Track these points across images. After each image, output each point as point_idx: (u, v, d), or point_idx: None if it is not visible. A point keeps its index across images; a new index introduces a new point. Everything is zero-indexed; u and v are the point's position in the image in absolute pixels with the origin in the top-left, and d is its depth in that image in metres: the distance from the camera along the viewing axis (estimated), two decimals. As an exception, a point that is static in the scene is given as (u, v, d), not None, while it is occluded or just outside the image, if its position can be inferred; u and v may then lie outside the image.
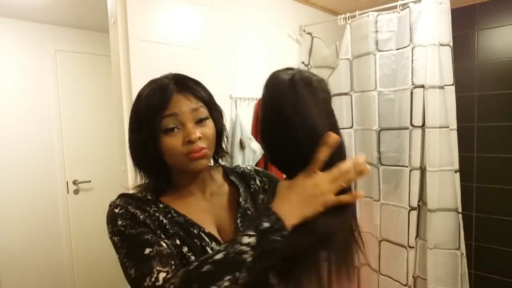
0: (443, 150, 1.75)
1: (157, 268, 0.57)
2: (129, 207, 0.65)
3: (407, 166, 1.81)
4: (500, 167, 2.32)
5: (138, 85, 0.77)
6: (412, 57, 1.77)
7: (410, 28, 1.78)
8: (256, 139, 1.95)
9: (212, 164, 0.79)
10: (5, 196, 2.40)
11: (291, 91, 0.63)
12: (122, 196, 0.69)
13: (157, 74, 0.73)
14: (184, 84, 0.70)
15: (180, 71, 0.74)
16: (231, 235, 0.72)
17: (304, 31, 2.27)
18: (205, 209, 0.74)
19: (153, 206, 0.68)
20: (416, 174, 1.78)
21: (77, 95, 2.74)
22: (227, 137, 0.79)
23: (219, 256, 0.55)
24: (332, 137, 0.61)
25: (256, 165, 1.94)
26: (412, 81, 1.77)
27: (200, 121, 0.69)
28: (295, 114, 0.62)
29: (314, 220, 0.61)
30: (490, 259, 2.38)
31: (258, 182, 0.83)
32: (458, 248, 1.78)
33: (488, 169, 2.37)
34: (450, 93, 1.76)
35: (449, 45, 1.75)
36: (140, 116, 0.68)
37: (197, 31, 1.77)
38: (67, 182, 2.70)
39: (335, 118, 0.67)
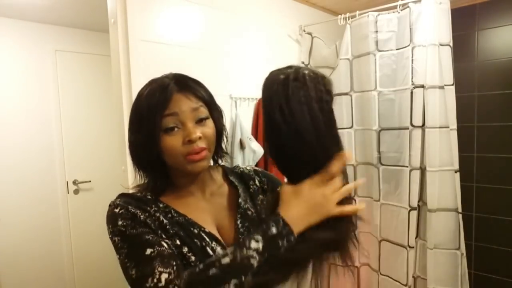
0: (443, 150, 1.75)
1: (159, 268, 0.56)
2: (129, 207, 0.65)
3: (407, 166, 1.81)
4: (500, 167, 2.32)
5: (138, 85, 0.77)
6: (412, 57, 1.77)
7: (410, 28, 1.78)
8: (256, 139, 1.95)
9: (212, 164, 0.79)
10: (5, 196, 2.40)
11: (282, 91, 0.63)
12: (122, 196, 0.69)
13: (157, 74, 0.73)
14: (184, 84, 0.70)
15: (180, 71, 0.74)
16: (231, 235, 0.72)
17: (304, 31, 2.27)
18: (205, 209, 0.74)
19: (153, 206, 0.68)
20: (416, 174, 1.78)
21: (77, 95, 2.74)
22: (227, 137, 0.79)
23: (225, 260, 0.56)
24: (348, 155, 0.63)
25: (256, 165, 1.94)
26: (412, 81, 1.77)
27: (200, 121, 0.69)
28: (282, 116, 0.62)
29: (316, 228, 0.63)
30: (490, 259, 2.38)
31: (257, 183, 0.83)
32: (458, 248, 1.78)
33: (488, 169, 2.37)
34: (450, 93, 1.76)
35: (449, 45, 1.75)
36: (140, 116, 0.68)
37: (197, 31, 1.77)
38: (67, 182, 2.70)
39: (333, 117, 0.66)
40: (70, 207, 2.71)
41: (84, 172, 2.77)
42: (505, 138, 2.29)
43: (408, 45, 1.78)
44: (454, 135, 1.77)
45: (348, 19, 2.02)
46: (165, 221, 0.66)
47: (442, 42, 1.73)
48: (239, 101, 1.92)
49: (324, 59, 2.29)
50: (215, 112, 0.74)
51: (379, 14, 1.88)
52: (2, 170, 2.39)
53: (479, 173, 2.40)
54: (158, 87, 0.68)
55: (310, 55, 2.29)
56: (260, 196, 0.81)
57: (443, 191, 1.76)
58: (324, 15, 2.50)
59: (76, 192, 2.74)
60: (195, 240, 0.66)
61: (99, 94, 2.82)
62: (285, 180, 0.71)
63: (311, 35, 2.28)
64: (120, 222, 0.63)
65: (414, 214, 1.80)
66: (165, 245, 0.61)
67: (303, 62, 2.28)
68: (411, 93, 1.77)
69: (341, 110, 2.04)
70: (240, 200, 0.77)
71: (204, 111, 0.70)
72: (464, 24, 2.36)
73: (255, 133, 1.98)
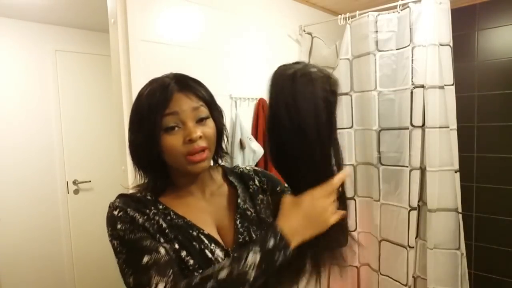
0: (443, 150, 1.75)
1: (156, 277, 0.57)
2: (128, 209, 0.65)
3: (407, 166, 1.81)
4: (500, 167, 2.32)
5: (138, 85, 0.77)
6: (412, 57, 1.77)
7: (410, 28, 1.78)
8: (256, 139, 1.95)
9: (212, 164, 0.79)
10: (5, 196, 2.40)
11: (289, 86, 0.62)
12: (121, 196, 0.69)
13: (157, 74, 0.73)
14: (185, 83, 0.70)
15: (180, 71, 0.74)
16: (230, 235, 0.73)
17: (304, 31, 2.27)
18: (205, 209, 0.74)
19: (152, 208, 0.68)
20: (416, 174, 1.78)
21: (77, 95, 2.74)
22: (227, 137, 0.79)
23: (223, 273, 0.57)
24: (349, 173, 0.65)
25: (256, 165, 1.94)
26: (412, 81, 1.77)
27: (200, 120, 0.69)
28: (287, 112, 0.62)
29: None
30: (490, 259, 2.38)
31: (257, 183, 0.83)
32: (458, 248, 1.78)
33: (488, 169, 2.37)
34: (450, 93, 1.76)
35: (449, 45, 1.75)
36: (140, 115, 0.68)
37: (197, 31, 1.77)
38: (67, 182, 2.70)
39: (335, 120, 0.66)
40: (70, 207, 2.71)
41: (84, 172, 2.77)
42: (505, 138, 2.29)
43: (408, 45, 1.78)
44: (454, 135, 1.77)
45: (348, 19, 2.02)
46: (164, 224, 0.66)
47: (442, 42, 1.73)
48: (239, 101, 1.92)
49: (324, 59, 2.29)
50: (215, 112, 0.74)
51: (379, 14, 1.88)
52: (2, 170, 2.39)
53: (479, 173, 2.40)
54: (159, 87, 0.68)
55: (310, 55, 2.29)
56: (260, 195, 0.81)
57: (443, 191, 1.76)
58: (324, 15, 2.50)
59: (76, 192, 2.74)
60: (194, 243, 0.66)
61: (99, 94, 2.82)
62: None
63: (311, 35, 2.28)
64: (119, 226, 0.63)
65: (414, 214, 1.80)
66: (162, 251, 0.61)
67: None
68: (411, 93, 1.77)
69: (341, 110, 2.04)
70: (239, 200, 0.77)
71: (204, 111, 0.70)
72: (464, 24, 2.36)
73: (255, 133, 1.98)
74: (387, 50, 1.87)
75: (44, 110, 2.58)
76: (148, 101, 0.67)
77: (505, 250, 2.32)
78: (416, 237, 1.86)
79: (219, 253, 0.67)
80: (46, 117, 2.59)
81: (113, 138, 1.63)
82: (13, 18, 2.41)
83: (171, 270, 0.59)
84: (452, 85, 1.77)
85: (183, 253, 0.64)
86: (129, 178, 1.48)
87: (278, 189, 0.83)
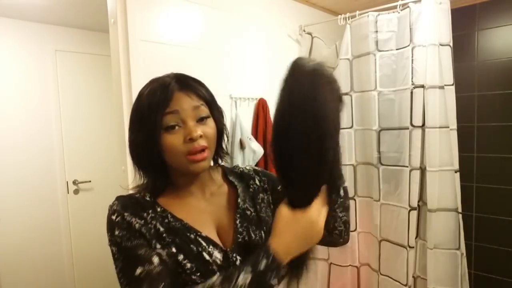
0: (443, 150, 1.75)
1: None
2: (125, 214, 0.65)
3: (407, 166, 1.81)
4: (500, 167, 2.32)
5: (138, 85, 0.77)
6: (412, 57, 1.77)
7: (410, 28, 1.78)
8: (256, 139, 1.95)
9: (212, 164, 0.79)
10: (5, 196, 2.40)
11: (310, 81, 0.60)
12: (120, 198, 0.68)
13: (157, 74, 0.73)
14: (185, 83, 0.70)
15: (180, 71, 0.74)
16: (230, 235, 0.73)
17: (304, 31, 2.27)
18: (205, 210, 0.74)
19: (150, 211, 0.68)
20: (416, 174, 1.78)
21: (77, 95, 2.74)
22: (227, 137, 0.79)
23: None
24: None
25: (256, 165, 1.94)
26: (412, 81, 1.77)
27: (201, 120, 0.69)
28: (304, 103, 0.59)
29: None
30: (490, 259, 2.38)
31: (257, 182, 0.83)
32: (458, 248, 1.78)
33: (488, 169, 2.37)
34: (450, 93, 1.76)
35: (449, 45, 1.75)
36: (141, 114, 0.68)
37: (197, 31, 1.77)
38: (67, 182, 2.70)
39: (339, 123, 0.67)
40: (70, 207, 2.71)
41: (84, 172, 2.77)
42: (505, 138, 2.29)
43: (408, 45, 1.78)
44: (454, 135, 1.77)
45: (348, 19, 2.02)
46: (161, 228, 0.66)
47: (442, 42, 1.73)
48: (239, 101, 1.92)
49: (324, 59, 2.28)
50: (216, 112, 0.74)
51: (379, 14, 1.88)
52: (2, 170, 2.39)
53: (479, 173, 2.40)
54: (159, 86, 0.68)
55: (310, 55, 2.29)
56: (261, 194, 0.81)
57: (443, 191, 1.76)
58: (324, 15, 2.50)
59: (76, 192, 2.74)
60: (191, 245, 0.66)
61: (99, 94, 2.82)
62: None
63: (311, 35, 2.28)
64: (116, 232, 0.64)
65: (414, 214, 1.80)
66: (155, 261, 0.62)
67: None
68: (411, 93, 1.77)
69: (341, 110, 2.04)
70: (239, 200, 0.77)
71: (205, 110, 0.70)
72: (464, 24, 2.36)
73: (255, 133, 1.98)
74: (387, 50, 1.87)
75: (44, 110, 2.58)
76: (149, 100, 0.67)
77: (505, 250, 2.32)
78: (416, 237, 1.86)
79: (217, 255, 0.67)
80: (46, 117, 2.59)
81: (113, 138, 1.63)
82: (13, 18, 2.41)
83: (162, 284, 0.60)
84: (452, 85, 1.77)
85: (180, 257, 0.64)
86: (129, 178, 1.48)
87: (279, 188, 0.83)
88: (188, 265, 0.64)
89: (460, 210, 1.78)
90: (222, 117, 0.77)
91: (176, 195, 0.73)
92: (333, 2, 2.39)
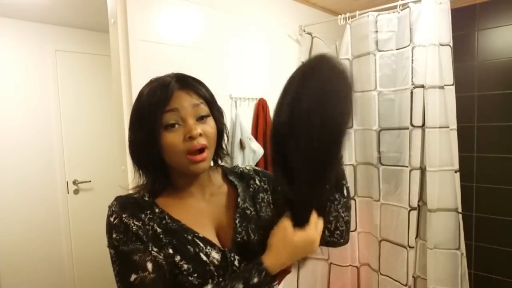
0: (443, 150, 1.75)
1: None
2: (123, 216, 0.65)
3: (407, 166, 1.81)
4: (500, 167, 2.32)
5: (138, 85, 0.77)
6: (412, 57, 1.77)
7: (410, 28, 1.78)
8: (256, 139, 1.95)
9: (212, 164, 0.79)
10: (5, 196, 2.40)
11: (331, 73, 0.62)
12: (118, 199, 0.68)
13: (157, 74, 0.73)
14: (185, 82, 0.70)
15: (180, 71, 0.74)
16: (229, 235, 0.73)
17: (304, 31, 2.27)
18: (205, 210, 0.74)
19: (148, 212, 0.68)
20: (416, 174, 1.78)
21: (77, 95, 2.74)
22: (227, 136, 0.79)
23: None
24: None
25: (256, 165, 1.94)
26: (412, 81, 1.77)
27: (201, 118, 0.69)
28: (320, 95, 0.60)
29: None
30: (490, 259, 2.38)
31: (257, 182, 0.83)
32: (458, 248, 1.78)
33: (488, 169, 2.37)
34: (450, 93, 1.76)
35: (449, 45, 1.75)
36: (141, 113, 0.68)
37: (197, 31, 1.77)
38: (67, 182, 2.70)
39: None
40: (70, 207, 2.71)
41: (84, 172, 2.77)
42: (505, 138, 2.29)
43: (408, 45, 1.78)
44: (454, 135, 1.77)
45: (348, 19, 2.02)
46: (158, 230, 0.66)
47: (442, 42, 1.73)
48: (239, 101, 1.92)
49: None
50: (216, 111, 0.74)
51: (379, 14, 1.88)
52: (2, 170, 2.39)
53: (479, 173, 2.40)
54: (159, 85, 0.68)
55: (310, 55, 2.29)
56: (261, 194, 0.81)
57: (443, 191, 1.76)
58: (324, 15, 2.50)
59: (76, 192, 2.74)
60: (188, 246, 0.66)
61: (99, 94, 2.82)
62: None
63: (311, 35, 2.28)
64: (114, 235, 0.64)
65: (414, 214, 1.80)
66: (149, 267, 0.62)
67: (303, 62, 2.27)
68: (411, 93, 1.77)
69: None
70: (239, 199, 0.77)
71: (205, 109, 0.70)
72: (464, 24, 2.36)
73: (255, 133, 1.98)
74: (387, 50, 1.87)
75: (44, 110, 2.58)
76: (149, 99, 0.67)
77: (505, 250, 2.32)
78: (416, 237, 1.86)
79: (214, 255, 0.67)
80: (46, 117, 2.59)
81: (113, 138, 1.63)
82: (13, 18, 2.41)
83: None
84: (452, 85, 1.77)
85: (177, 258, 0.64)
86: (129, 178, 1.48)
87: (279, 188, 0.83)
88: (185, 266, 0.64)
89: (460, 210, 1.78)
90: (222, 117, 0.77)
91: (176, 196, 0.73)
92: (333, 2, 2.39)
